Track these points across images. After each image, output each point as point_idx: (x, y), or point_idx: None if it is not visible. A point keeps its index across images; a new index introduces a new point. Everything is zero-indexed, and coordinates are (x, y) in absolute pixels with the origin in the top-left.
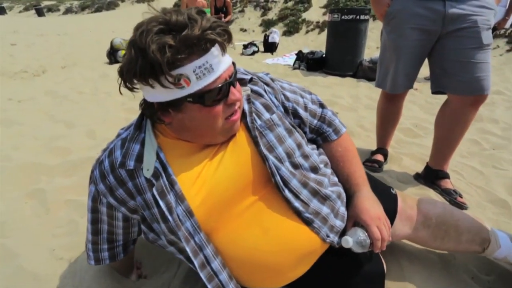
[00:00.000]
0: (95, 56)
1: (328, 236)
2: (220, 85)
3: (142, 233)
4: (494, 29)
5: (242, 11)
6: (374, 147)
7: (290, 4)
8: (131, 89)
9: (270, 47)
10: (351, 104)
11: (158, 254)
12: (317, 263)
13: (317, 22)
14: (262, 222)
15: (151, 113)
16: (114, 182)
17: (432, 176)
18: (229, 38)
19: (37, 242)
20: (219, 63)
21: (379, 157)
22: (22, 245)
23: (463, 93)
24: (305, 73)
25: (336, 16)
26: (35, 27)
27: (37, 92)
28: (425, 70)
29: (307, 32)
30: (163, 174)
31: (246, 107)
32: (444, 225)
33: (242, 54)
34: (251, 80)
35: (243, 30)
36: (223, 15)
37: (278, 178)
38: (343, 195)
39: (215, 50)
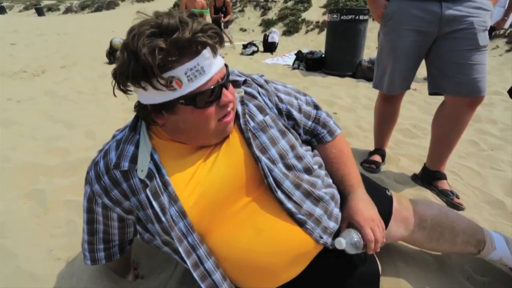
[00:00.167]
0: (94, 55)
1: (321, 238)
2: (212, 87)
3: (138, 233)
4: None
5: (242, 10)
6: (372, 147)
7: (290, 4)
8: (125, 92)
9: (270, 47)
10: (350, 104)
11: (155, 255)
12: (312, 264)
13: (317, 22)
14: (255, 223)
15: (145, 115)
16: (109, 183)
17: (429, 177)
18: (220, 40)
19: (35, 243)
20: (210, 65)
21: (377, 157)
22: (20, 245)
23: (459, 94)
24: (304, 73)
25: (335, 16)
26: (35, 26)
27: (36, 92)
28: (424, 70)
29: (306, 32)
30: (157, 175)
31: (239, 108)
32: (440, 226)
33: (242, 54)
34: (245, 82)
35: (243, 29)
36: (222, 15)
37: (270, 179)
38: (337, 196)
39: (207, 52)
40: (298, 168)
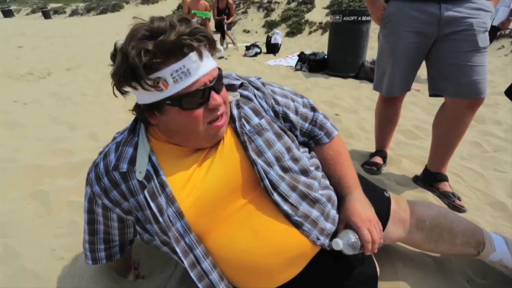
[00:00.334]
0: (99, 58)
1: (318, 239)
2: (197, 89)
3: (137, 234)
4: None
5: (245, 12)
6: (373, 149)
7: (293, 5)
8: (122, 93)
9: (273, 49)
10: (352, 105)
11: (155, 255)
12: (309, 265)
13: (320, 23)
14: (252, 224)
15: (140, 114)
16: (109, 184)
17: (430, 178)
18: (209, 43)
19: (39, 242)
20: (197, 67)
21: (378, 159)
22: (24, 245)
23: (459, 96)
24: (307, 75)
25: (337, 17)
26: (41, 29)
27: (41, 94)
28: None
29: (310, 33)
30: (155, 177)
31: (235, 112)
32: (438, 227)
33: (245, 55)
34: (241, 85)
35: (246, 31)
36: (225, 16)
37: (266, 182)
38: (334, 198)
39: (194, 55)
40: (295, 170)
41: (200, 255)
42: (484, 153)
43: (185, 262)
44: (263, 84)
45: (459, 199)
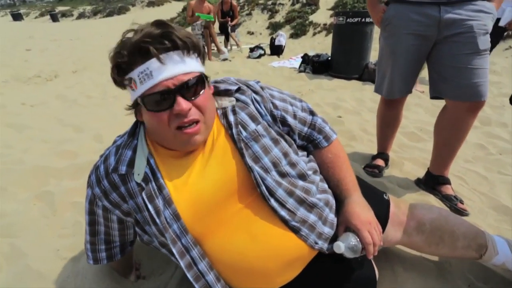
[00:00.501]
0: (105, 60)
1: (316, 243)
2: (158, 91)
3: (137, 235)
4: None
5: (249, 14)
6: (376, 151)
7: (297, 6)
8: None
9: (277, 50)
10: (355, 107)
11: (156, 256)
12: (308, 268)
13: (324, 25)
14: (250, 228)
15: (134, 110)
16: (108, 186)
17: (432, 181)
18: (184, 48)
19: (44, 242)
20: (160, 71)
21: (380, 162)
22: (29, 245)
23: (459, 99)
24: (310, 76)
25: (341, 19)
26: (49, 32)
27: (48, 96)
28: None
29: (314, 34)
30: (152, 179)
31: (231, 118)
32: (439, 230)
33: (249, 57)
34: (238, 90)
35: (250, 33)
36: (229, 18)
37: (263, 188)
38: (332, 202)
39: (160, 58)
40: (292, 175)
41: (197, 256)
42: (488, 156)
43: (181, 263)
44: (261, 88)
45: (461, 202)
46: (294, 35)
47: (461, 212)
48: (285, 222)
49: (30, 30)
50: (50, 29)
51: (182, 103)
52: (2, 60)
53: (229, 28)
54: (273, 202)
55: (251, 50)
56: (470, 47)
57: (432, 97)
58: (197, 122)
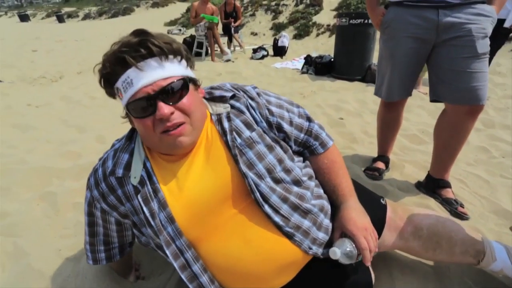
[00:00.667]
0: None
1: (310, 248)
2: (139, 98)
3: (135, 237)
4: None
5: (253, 14)
6: (376, 154)
7: (301, 7)
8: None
9: (280, 51)
10: (356, 109)
11: (155, 257)
12: (303, 272)
13: (328, 25)
14: (244, 233)
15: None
16: (106, 189)
17: (433, 185)
18: (162, 54)
19: (46, 242)
20: (139, 78)
21: (380, 164)
22: (32, 244)
23: (458, 102)
24: (313, 77)
25: (344, 20)
26: (55, 33)
27: (53, 97)
28: None
29: (317, 35)
30: (148, 182)
31: (226, 125)
32: (436, 236)
33: (252, 58)
34: (233, 96)
35: (253, 33)
36: (232, 20)
37: (257, 194)
38: (327, 207)
39: (137, 66)
40: (287, 181)
41: (191, 258)
42: (491, 159)
43: (175, 264)
44: (258, 94)
45: (462, 206)
46: (298, 36)
47: (461, 216)
48: (279, 227)
49: (37, 31)
50: (56, 30)
51: (164, 108)
52: (9, 61)
53: (232, 29)
54: (267, 208)
55: (254, 51)
56: (469, 51)
57: (432, 100)
58: (181, 124)
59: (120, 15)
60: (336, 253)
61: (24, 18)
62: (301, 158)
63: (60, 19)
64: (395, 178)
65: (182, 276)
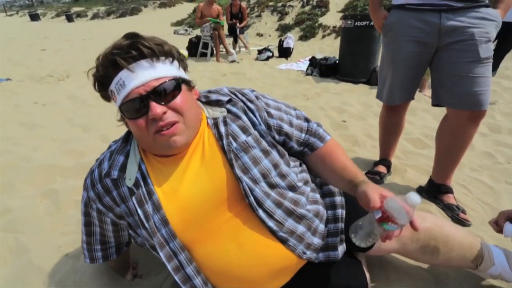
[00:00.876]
0: None
1: (304, 253)
2: (131, 99)
3: (131, 237)
4: None
5: (259, 15)
6: (378, 157)
7: (307, 8)
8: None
9: (285, 53)
10: (360, 111)
11: (153, 256)
12: (298, 276)
13: (334, 27)
14: (237, 237)
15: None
16: (102, 190)
17: (434, 190)
18: (152, 55)
19: (47, 239)
20: (130, 79)
21: (381, 168)
22: (33, 240)
23: (459, 107)
24: (317, 79)
25: (349, 22)
26: (64, 32)
27: (60, 96)
28: None
29: (323, 37)
30: (143, 184)
31: (222, 129)
32: (433, 240)
33: (257, 59)
34: (230, 101)
35: (259, 34)
36: (237, 21)
37: (251, 199)
38: (323, 213)
39: (128, 67)
40: (282, 186)
41: (184, 260)
42: (496, 165)
43: (168, 267)
44: (256, 97)
45: (464, 212)
46: (303, 38)
47: (463, 223)
48: (273, 232)
49: (46, 30)
50: (65, 29)
51: (156, 108)
52: (19, 59)
53: (238, 30)
54: (261, 212)
55: (259, 52)
56: (471, 55)
57: (434, 105)
58: (174, 123)
59: (128, 15)
60: (417, 197)
61: (34, 17)
62: (297, 163)
63: (69, 19)
64: (397, 182)
65: (176, 278)
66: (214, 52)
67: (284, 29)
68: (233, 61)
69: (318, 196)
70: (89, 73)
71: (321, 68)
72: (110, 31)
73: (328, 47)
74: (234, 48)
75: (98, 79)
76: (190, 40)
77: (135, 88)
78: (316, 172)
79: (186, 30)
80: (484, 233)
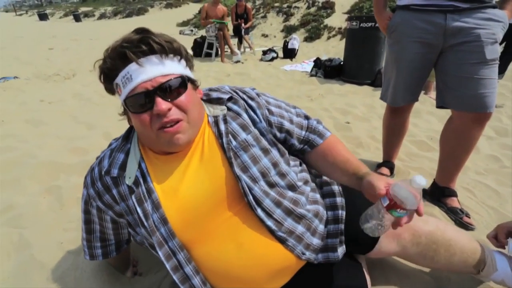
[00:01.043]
0: None
1: (303, 254)
2: (137, 93)
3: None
4: None
5: (264, 16)
6: (382, 159)
7: (313, 9)
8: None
9: (290, 54)
10: (364, 113)
11: (153, 255)
12: (297, 277)
13: (339, 28)
14: (236, 237)
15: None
16: (102, 188)
17: (438, 193)
18: (162, 52)
19: (49, 235)
20: (138, 73)
21: (384, 170)
22: (36, 236)
23: (464, 109)
24: (321, 81)
25: (354, 23)
26: (71, 32)
27: (65, 94)
28: None
29: (328, 38)
30: (142, 183)
31: (222, 127)
32: (435, 244)
33: (261, 60)
34: (230, 99)
35: (264, 35)
36: (242, 20)
37: (250, 197)
38: (322, 213)
39: (137, 61)
40: (281, 185)
41: (183, 260)
42: (502, 169)
43: (167, 265)
44: (257, 94)
45: (468, 216)
46: (309, 39)
47: (466, 226)
48: (271, 232)
49: (54, 29)
50: (73, 29)
51: (161, 104)
52: (27, 58)
53: (243, 30)
54: (259, 211)
55: (264, 53)
56: (477, 57)
57: (438, 107)
58: (178, 121)
59: (135, 15)
60: (422, 178)
61: (43, 17)
62: (297, 163)
63: (77, 18)
64: None
65: (174, 277)
66: (219, 52)
67: (289, 30)
68: (237, 62)
69: (318, 196)
70: (96, 64)
71: (326, 69)
72: (116, 31)
73: (333, 49)
74: (238, 48)
75: (105, 71)
76: (195, 40)
77: (142, 83)
78: (318, 170)
79: (192, 31)
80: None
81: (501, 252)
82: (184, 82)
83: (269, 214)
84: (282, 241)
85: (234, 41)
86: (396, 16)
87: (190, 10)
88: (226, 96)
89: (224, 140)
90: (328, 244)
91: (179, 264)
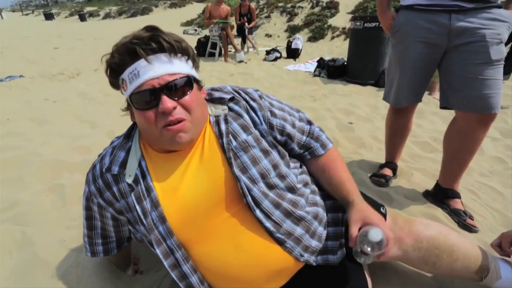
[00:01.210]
0: None
1: (302, 256)
2: (144, 90)
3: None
4: None
5: (268, 16)
6: (384, 160)
7: (317, 9)
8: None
9: (293, 53)
10: (368, 114)
11: (154, 252)
12: (296, 278)
13: (343, 28)
14: (235, 237)
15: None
16: (103, 185)
17: (441, 195)
18: (171, 50)
19: (52, 232)
20: (146, 70)
21: (387, 171)
22: (39, 234)
23: (468, 110)
24: (325, 81)
25: (358, 23)
26: (76, 31)
27: (70, 93)
28: None
29: (332, 38)
30: (142, 181)
31: (223, 127)
32: (437, 249)
33: (265, 60)
34: (232, 99)
35: (268, 35)
36: (246, 19)
37: (249, 198)
38: (322, 215)
39: (146, 58)
40: (281, 187)
41: (181, 258)
42: (507, 170)
43: (165, 263)
44: (260, 96)
45: (471, 218)
46: (312, 39)
47: (470, 229)
48: (270, 233)
49: (60, 29)
50: (78, 29)
51: (167, 102)
52: (32, 57)
53: (246, 30)
54: (258, 213)
55: (267, 52)
56: (482, 57)
57: (442, 107)
58: (182, 120)
59: (139, 15)
60: (378, 234)
61: (48, 16)
62: (298, 165)
63: (82, 18)
64: (402, 185)
65: (172, 275)
66: (222, 52)
67: (293, 30)
68: (241, 61)
69: (318, 198)
70: (103, 58)
71: (329, 70)
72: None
73: (337, 49)
74: (242, 48)
75: (112, 65)
76: (199, 40)
77: (149, 80)
78: (314, 177)
79: (196, 30)
80: (491, 240)
81: (506, 260)
82: (190, 82)
83: (267, 216)
84: (280, 242)
85: (237, 41)
86: (399, 16)
87: (194, 10)
88: (228, 96)
89: (224, 140)
90: (328, 246)
91: (177, 262)
